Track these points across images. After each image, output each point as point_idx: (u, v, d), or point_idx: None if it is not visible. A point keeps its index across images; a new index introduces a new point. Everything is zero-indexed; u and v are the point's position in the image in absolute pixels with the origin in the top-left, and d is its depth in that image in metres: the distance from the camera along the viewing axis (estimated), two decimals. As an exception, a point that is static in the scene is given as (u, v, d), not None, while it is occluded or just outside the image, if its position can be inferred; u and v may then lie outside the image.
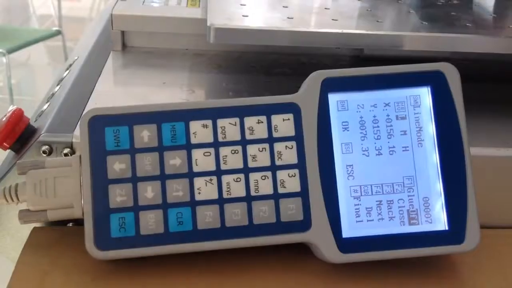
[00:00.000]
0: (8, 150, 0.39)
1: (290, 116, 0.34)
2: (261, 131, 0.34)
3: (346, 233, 0.33)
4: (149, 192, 0.33)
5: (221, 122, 0.34)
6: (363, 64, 0.36)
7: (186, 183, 0.33)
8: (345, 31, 0.43)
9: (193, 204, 0.33)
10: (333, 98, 0.34)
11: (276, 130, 0.34)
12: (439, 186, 0.34)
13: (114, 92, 0.46)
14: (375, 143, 0.34)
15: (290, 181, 0.33)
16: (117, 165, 0.33)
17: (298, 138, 0.34)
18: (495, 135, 0.41)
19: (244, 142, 0.34)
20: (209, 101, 0.37)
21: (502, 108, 0.46)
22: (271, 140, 0.34)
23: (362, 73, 0.34)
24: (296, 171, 0.33)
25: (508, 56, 0.44)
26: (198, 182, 0.33)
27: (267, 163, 0.33)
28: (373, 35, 0.43)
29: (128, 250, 0.33)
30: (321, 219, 0.33)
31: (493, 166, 0.40)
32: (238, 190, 0.33)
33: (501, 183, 0.40)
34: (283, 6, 0.47)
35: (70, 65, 0.52)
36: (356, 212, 0.34)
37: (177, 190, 0.33)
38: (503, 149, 0.40)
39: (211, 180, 0.33)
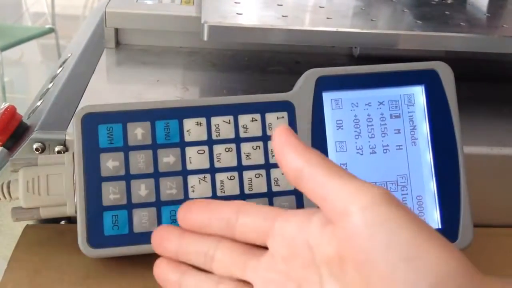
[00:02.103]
0: (1, 148, 0.39)
1: (284, 114, 0.34)
2: (255, 129, 0.34)
3: (340, 231, 0.33)
4: (142, 189, 0.33)
5: (215, 120, 0.34)
6: (357, 63, 0.36)
7: (180, 181, 0.33)
8: (339, 29, 0.43)
9: (186, 202, 0.33)
10: (327, 97, 0.34)
11: (270, 128, 0.34)
12: (433, 185, 0.34)
13: (107, 89, 0.46)
14: (369, 141, 0.34)
15: (284, 179, 0.33)
16: (111, 163, 0.33)
17: (292, 136, 0.34)
18: (489, 134, 0.42)
19: (238, 140, 0.33)
20: (203, 99, 0.37)
21: (495, 107, 0.46)
22: (265, 138, 0.34)
23: (356, 71, 0.35)
24: (290, 169, 0.33)
25: (502, 55, 0.45)
26: (192, 180, 0.33)
27: (261, 161, 0.33)
28: (368, 33, 0.43)
29: (121, 248, 0.32)
30: (315, 218, 0.33)
31: (487, 164, 0.40)
32: (232, 188, 0.33)
33: (495, 182, 0.40)
34: (278, 4, 0.47)
35: (64, 63, 0.52)
36: (350, 210, 0.33)
37: (170, 188, 0.33)
38: (496, 148, 0.40)
39: (204, 178, 0.33)
